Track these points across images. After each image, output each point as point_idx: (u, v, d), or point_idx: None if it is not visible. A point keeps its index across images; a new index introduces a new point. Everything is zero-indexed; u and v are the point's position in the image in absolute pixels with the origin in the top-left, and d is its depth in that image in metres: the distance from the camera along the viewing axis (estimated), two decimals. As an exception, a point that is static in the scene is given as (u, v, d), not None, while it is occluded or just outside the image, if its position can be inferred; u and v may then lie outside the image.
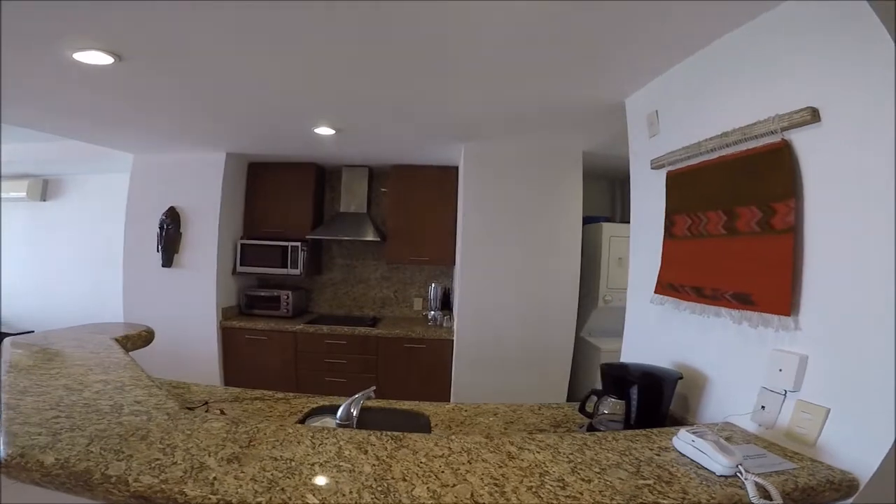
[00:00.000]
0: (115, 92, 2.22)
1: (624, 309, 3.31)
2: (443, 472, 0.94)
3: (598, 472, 0.97)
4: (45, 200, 5.18)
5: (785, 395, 1.14)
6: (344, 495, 0.83)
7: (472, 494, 0.86)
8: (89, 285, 4.97)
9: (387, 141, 3.08)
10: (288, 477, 0.88)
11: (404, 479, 0.90)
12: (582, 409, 1.60)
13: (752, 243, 1.27)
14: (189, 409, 1.22)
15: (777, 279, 1.17)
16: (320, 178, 4.03)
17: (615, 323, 3.45)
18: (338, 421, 1.38)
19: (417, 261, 3.77)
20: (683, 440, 1.08)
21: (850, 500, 0.96)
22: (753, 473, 0.93)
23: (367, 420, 1.58)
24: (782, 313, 1.15)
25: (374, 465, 0.95)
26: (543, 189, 3.05)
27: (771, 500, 0.86)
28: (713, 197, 1.44)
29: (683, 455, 1.06)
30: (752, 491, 0.87)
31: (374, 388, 1.51)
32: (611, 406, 1.51)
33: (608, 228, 3.25)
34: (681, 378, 1.44)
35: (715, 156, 1.42)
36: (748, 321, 1.26)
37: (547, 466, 0.99)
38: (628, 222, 3.24)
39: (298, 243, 3.72)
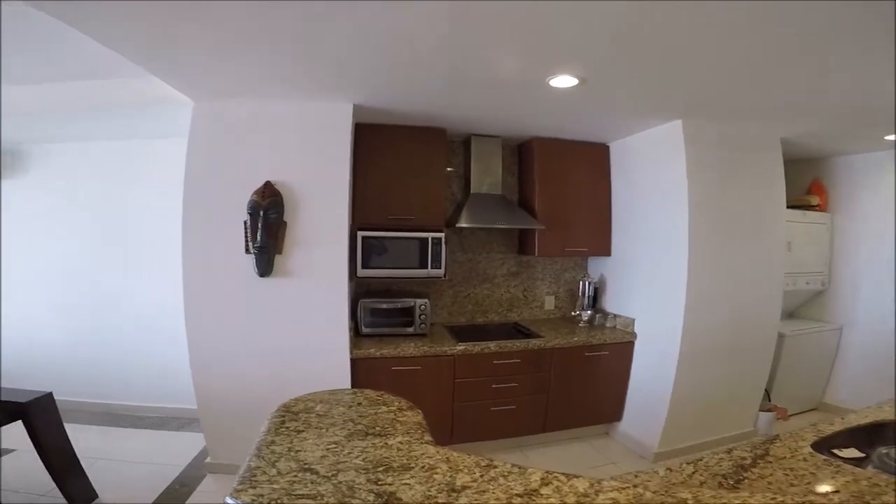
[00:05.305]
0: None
1: (792, 293, 3.64)
2: None
3: None
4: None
5: None
6: None
7: None
8: (74, 308, 3.57)
9: (603, 104, 2.68)
10: None
11: None
12: None
13: None
14: None
15: None
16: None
17: (784, 306, 3.78)
18: None
19: (574, 252, 3.45)
20: None
21: None
22: None
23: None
24: None
25: None
26: (745, 174, 3.08)
27: None
28: None
29: None
30: None
31: None
32: None
33: (780, 213, 3.47)
34: None
35: None
36: None
37: None
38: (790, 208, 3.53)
39: (441, 235, 3.03)
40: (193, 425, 3.21)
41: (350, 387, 2.68)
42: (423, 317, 3.02)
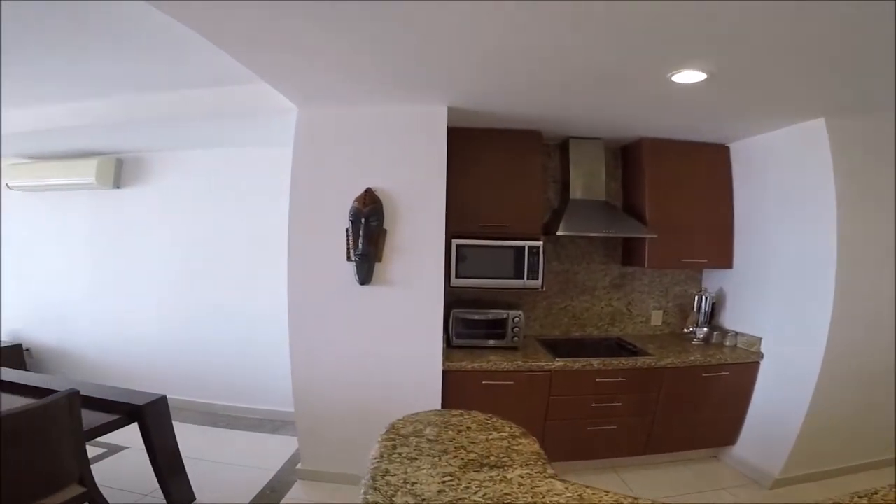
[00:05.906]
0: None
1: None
2: None
3: None
4: (119, 187, 3.93)
5: None
6: None
7: None
8: (188, 311, 3.83)
9: (731, 102, 2.39)
10: None
11: None
12: None
13: None
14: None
15: None
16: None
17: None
18: None
19: (692, 264, 3.13)
20: None
21: None
22: None
23: None
24: None
25: None
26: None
27: None
28: None
29: None
30: None
31: None
32: None
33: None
34: None
35: None
36: None
37: None
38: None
39: (539, 243, 2.86)
40: (287, 428, 3.31)
41: (440, 399, 2.60)
42: (516, 329, 2.86)
